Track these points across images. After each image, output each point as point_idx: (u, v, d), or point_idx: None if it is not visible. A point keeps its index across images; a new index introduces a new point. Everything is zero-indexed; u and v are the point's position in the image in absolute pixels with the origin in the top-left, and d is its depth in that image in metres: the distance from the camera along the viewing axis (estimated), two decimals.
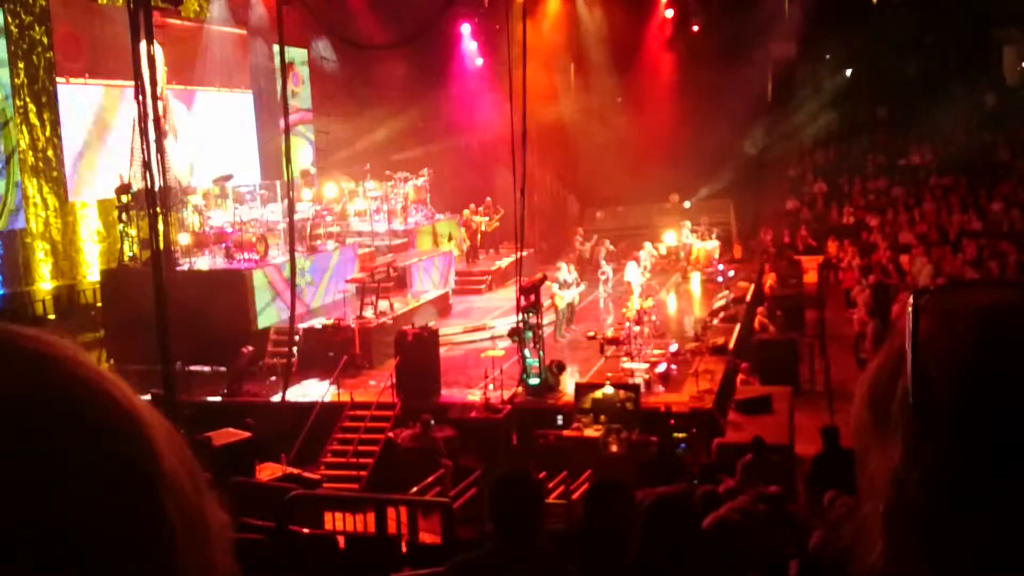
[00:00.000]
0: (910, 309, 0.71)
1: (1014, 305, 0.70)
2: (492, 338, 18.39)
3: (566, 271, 18.49)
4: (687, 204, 28.92)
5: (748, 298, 20.82)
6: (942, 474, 0.66)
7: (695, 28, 31.00)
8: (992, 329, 0.68)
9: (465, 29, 27.99)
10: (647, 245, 22.08)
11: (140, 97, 12.24)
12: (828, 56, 34.66)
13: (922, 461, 0.67)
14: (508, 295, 20.35)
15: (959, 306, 0.71)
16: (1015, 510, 0.63)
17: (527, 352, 15.13)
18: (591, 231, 26.06)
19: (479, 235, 24.75)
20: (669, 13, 30.66)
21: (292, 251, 16.38)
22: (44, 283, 18.94)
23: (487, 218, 24.66)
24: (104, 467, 0.58)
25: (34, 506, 0.55)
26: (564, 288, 18.12)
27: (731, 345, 17.16)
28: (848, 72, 35.14)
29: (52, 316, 18.29)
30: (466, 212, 24.63)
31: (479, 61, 28.46)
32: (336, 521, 9.66)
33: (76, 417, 0.59)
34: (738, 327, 18.30)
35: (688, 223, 25.95)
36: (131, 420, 0.61)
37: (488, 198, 24.47)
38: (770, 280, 22.02)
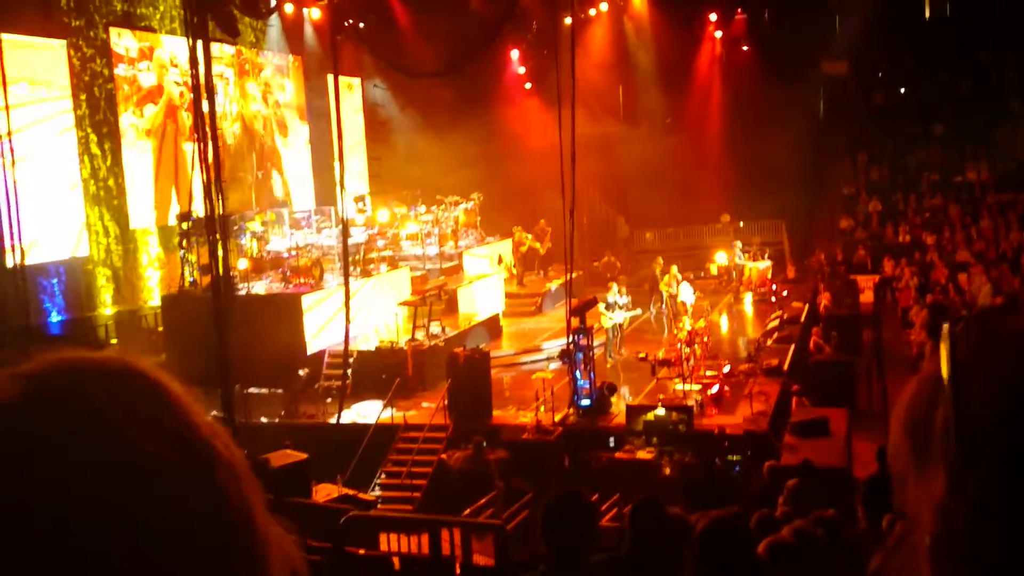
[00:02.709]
0: (946, 336, 0.69)
1: None
2: (544, 359, 18.42)
3: (615, 293, 18.47)
4: (740, 224, 28.72)
5: (802, 318, 20.57)
6: (991, 508, 0.64)
7: (745, 48, 30.90)
8: None
9: (514, 55, 28.25)
10: (673, 269, 21.84)
11: (201, 127, 12.57)
12: (880, 74, 34.26)
13: (969, 494, 0.65)
14: (558, 317, 20.38)
15: (998, 332, 0.69)
16: None
17: (578, 374, 15.12)
18: (644, 252, 26.04)
19: (537, 258, 24.91)
20: (719, 34, 30.62)
21: (346, 275, 16.63)
22: (106, 308, 19.45)
23: (538, 242, 24.77)
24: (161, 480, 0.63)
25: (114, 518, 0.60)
26: (611, 310, 18.11)
27: (785, 366, 16.96)
28: (901, 89, 34.67)
29: (114, 340, 18.76)
30: (516, 233, 24.77)
31: (528, 85, 28.68)
32: (391, 542, 9.75)
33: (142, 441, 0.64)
34: (792, 348, 18.08)
35: (739, 243, 25.77)
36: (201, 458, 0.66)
37: (542, 220, 24.58)
38: (824, 300, 21.74)
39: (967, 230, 26.95)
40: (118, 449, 0.62)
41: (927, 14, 32.66)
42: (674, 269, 21.47)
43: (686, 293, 19.86)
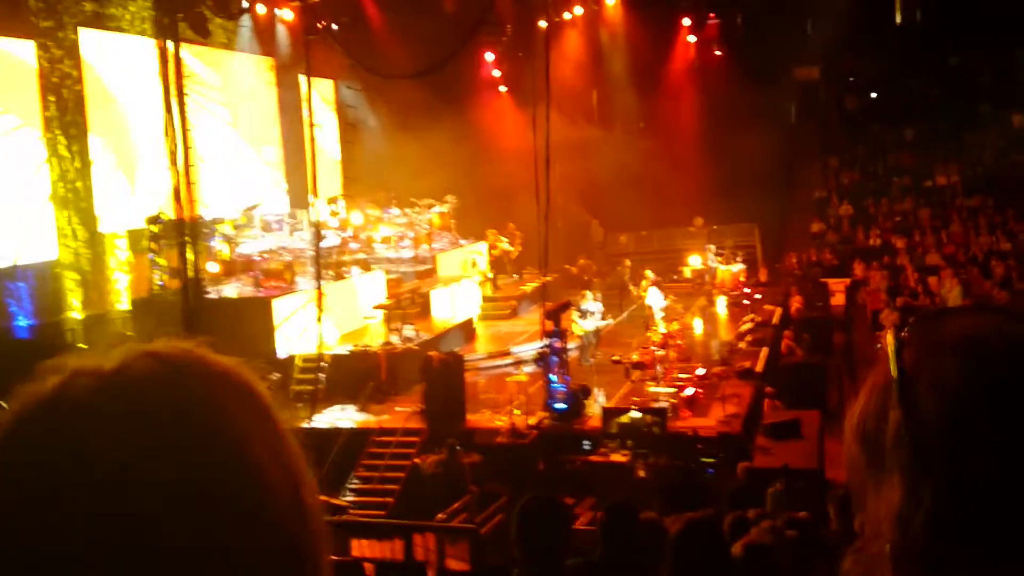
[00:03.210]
0: (891, 346, 0.70)
1: (997, 333, 0.68)
2: (517, 363, 18.38)
3: (590, 299, 18.48)
4: (713, 227, 28.88)
5: (775, 321, 20.69)
6: (946, 512, 0.65)
7: (718, 53, 31.08)
8: (978, 360, 0.67)
9: (488, 57, 28.22)
10: (648, 274, 21.87)
11: (171, 128, 12.43)
12: (851, 79, 34.59)
13: (925, 502, 0.66)
14: (533, 320, 20.36)
15: (938, 338, 0.70)
16: (1018, 546, 0.63)
17: (553, 377, 15.10)
18: (616, 255, 26.12)
19: (507, 262, 24.88)
20: (692, 38, 30.78)
21: (318, 278, 16.52)
22: (75, 313, 19.17)
23: (511, 245, 24.75)
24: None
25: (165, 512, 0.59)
26: (584, 317, 18.07)
27: (758, 369, 17.05)
28: (873, 94, 35.03)
29: (83, 345, 18.51)
30: (490, 236, 24.73)
31: (502, 88, 28.67)
32: (364, 548, 9.65)
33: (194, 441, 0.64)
34: (765, 350, 18.18)
35: (713, 247, 25.90)
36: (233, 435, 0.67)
37: (511, 224, 24.56)
38: (796, 303, 21.88)
39: (937, 234, 27.25)
40: (237, 460, 0.64)
41: (898, 20, 33.02)
42: (648, 273, 21.54)
43: (655, 298, 19.91)
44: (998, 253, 25.12)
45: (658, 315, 19.12)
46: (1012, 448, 0.63)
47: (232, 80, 23.64)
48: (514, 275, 25.18)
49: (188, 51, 18.07)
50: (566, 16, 27.74)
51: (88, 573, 0.56)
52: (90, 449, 0.59)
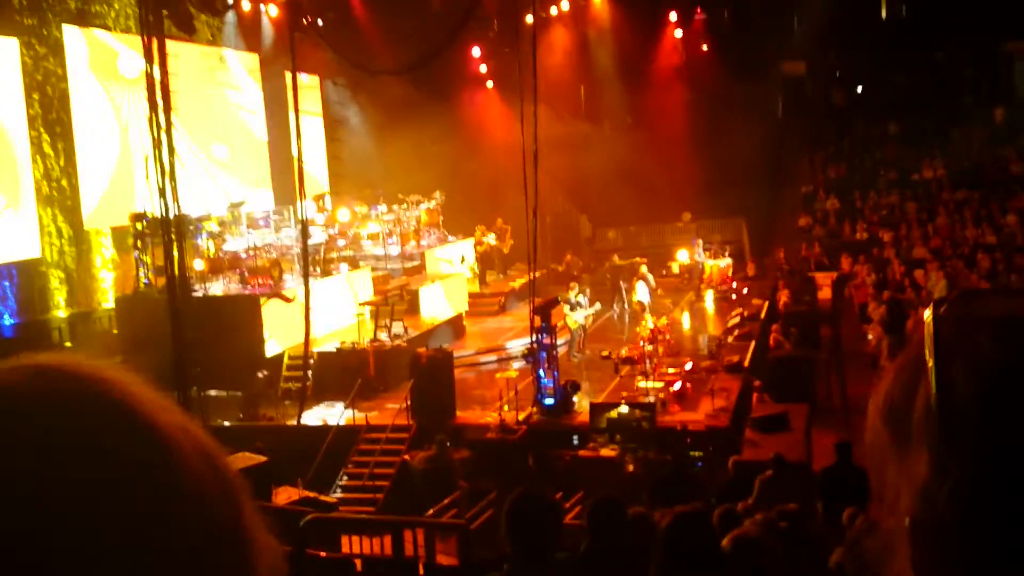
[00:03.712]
0: (929, 320, 0.70)
1: None
2: (506, 359, 18.38)
3: (576, 293, 18.51)
4: (701, 222, 28.94)
5: (762, 315, 20.75)
6: (974, 486, 0.65)
7: (704, 48, 31.12)
8: (1014, 337, 0.68)
9: (475, 52, 28.17)
10: (643, 269, 21.90)
11: (155, 125, 12.35)
12: (838, 73, 34.71)
13: (952, 474, 0.66)
14: (521, 316, 20.36)
15: (977, 316, 0.70)
16: None
17: (541, 372, 15.10)
18: (604, 251, 26.15)
19: (496, 258, 24.88)
20: (678, 33, 30.80)
21: (306, 276, 16.46)
22: (60, 311, 19.06)
23: (499, 241, 24.72)
24: (120, 476, 0.59)
25: (48, 510, 0.56)
26: (574, 310, 18.14)
27: (746, 363, 17.09)
28: (859, 88, 35.15)
29: (68, 343, 18.40)
30: (477, 232, 24.71)
31: (489, 84, 28.63)
32: (353, 544, 9.64)
33: (95, 433, 0.61)
34: (753, 344, 18.23)
35: (701, 241, 25.96)
36: (151, 433, 0.62)
37: (500, 219, 24.54)
38: (784, 297, 21.94)
39: (924, 227, 27.37)
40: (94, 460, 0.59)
41: (883, 15, 33.15)
42: (643, 269, 21.54)
43: (642, 293, 19.94)
44: (984, 246, 25.26)
45: (647, 310, 19.16)
46: None
47: (220, 75, 23.51)
48: (502, 271, 25.16)
49: (174, 47, 17.95)
50: (552, 11, 27.73)
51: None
52: None
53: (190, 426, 0.66)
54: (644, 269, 21.55)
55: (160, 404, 0.65)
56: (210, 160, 22.49)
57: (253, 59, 24.70)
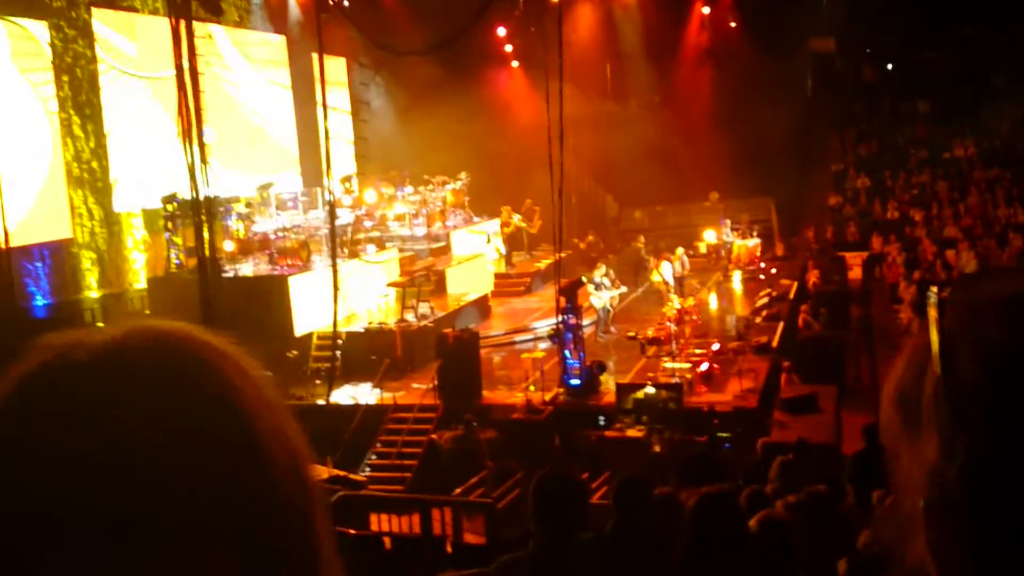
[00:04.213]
0: (933, 302, 0.71)
1: None
2: (533, 339, 18.41)
3: (601, 273, 18.48)
4: (729, 202, 28.71)
5: (791, 296, 20.61)
6: (981, 467, 0.66)
7: (732, 24, 30.76)
8: (1018, 319, 0.68)
9: (501, 32, 28.05)
10: (679, 251, 21.92)
11: (184, 107, 12.43)
12: (868, 50, 34.21)
13: (960, 454, 0.67)
14: (547, 296, 20.37)
15: (982, 297, 0.71)
16: None
17: (567, 353, 15.12)
18: (631, 231, 26.05)
19: (525, 237, 24.86)
20: (706, 10, 30.46)
21: (334, 256, 16.55)
22: (92, 292, 19.32)
23: (526, 220, 24.69)
24: (210, 462, 0.62)
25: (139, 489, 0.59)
26: (599, 290, 18.12)
27: (775, 343, 17.00)
28: (889, 65, 34.65)
29: (100, 324, 18.58)
30: (504, 213, 24.69)
31: (515, 63, 28.51)
32: (382, 522, 9.74)
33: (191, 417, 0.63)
34: (782, 325, 18.12)
35: (728, 221, 25.78)
36: (241, 420, 0.65)
37: (528, 200, 24.50)
38: (813, 277, 21.77)
39: (955, 206, 27.03)
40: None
41: None
42: (679, 251, 21.45)
43: (667, 273, 19.86)
44: (1016, 225, 24.91)
45: (672, 290, 19.10)
46: None
47: (247, 57, 23.60)
48: (529, 252, 25.14)
49: (202, 27, 18.04)
50: None
51: (92, 532, 0.57)
52: (94, 409, 0.60)
53: (287, 426, 0.68)
54: (680, 251, 21.48)
55: (266, 397, 0.68)
56: (238, 141, 22.61)
57: (280, 41, 24.77)
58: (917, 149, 30.62)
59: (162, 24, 19.19)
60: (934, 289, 0.73)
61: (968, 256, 21.91)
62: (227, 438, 0.63)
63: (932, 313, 0.71)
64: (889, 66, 34.64)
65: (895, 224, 26.90)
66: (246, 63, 23.60)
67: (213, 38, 21.43)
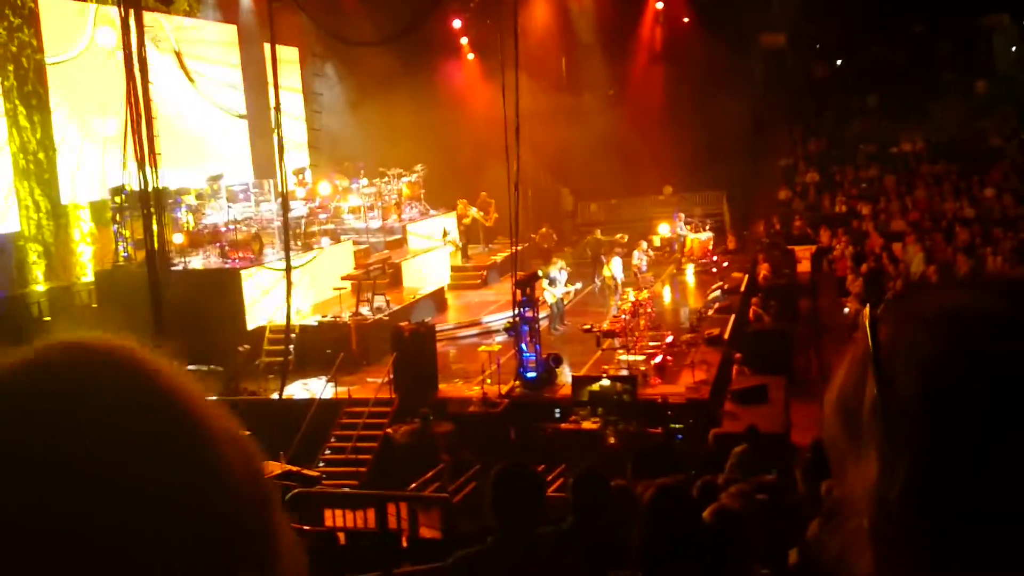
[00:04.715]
0: (866, 321, 0.70)
1: (974, 307, 0.69)
2: (489, 333, 18.42)
3: (557, 268, 18.57)
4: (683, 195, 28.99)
5: (742, 288, 20.88)
6: (920, 489, 0.65)
7: (686, 20, 31.00)
8: (954, 333, 0.67)
9: (456, 24, 27.94)
10: (643, 244, 22.23)
11: (132, 99, 12.22)
12: (818, 46, 34.70)
13: (899, 476, 0.66)
14: (503, 289, 20.39)
15: (919, 311, 0.70)
16: (995, 515, 0.63)
17: (524, 346, 15.16)
18: (586, 224, 26.15)
19: (480, 232, 24.83)
20: (660, 5, 30.66)
21: (287, 249, 16.38)
22: (38, 285, 18.91)
23: (482, 213, 24.66)
24: (164, 469, 0.61)
25: (94, 499, 0.57)
26: (554, 284, 18.20)
27: (726, 335, 17.22)
28: (838, 62, 35.18)
29: (47, 317, 18.27)
30: (460, 206, 24.64)
31: (471, 55, 28.43)
32: (336, 518, 9.69)
33: (140, 420, 0.62)
34: (733, 317, 18.36)
35: (682, 215, 26.02)
36: (194, 428, 0.64)
37: (484, 192, 24.47)
38: (764, 270, 22.07)
39: (902, 200, 27.54)
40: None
41: None
42: (644, 244, 21.67)
43: (616, 268, 20.02)
44: (962, 219, 25.47)
45: (620, 285, 19.29)
46: (985, 422, 0.64)
47: (196, 48, 23.22)
48: (485, 245, 25.12)
49: (152, 17, 17.73)
50: None
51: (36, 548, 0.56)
52: (19, 426, 0.58)
53: (231, 424, 0.67)
54: (645, 245, 21.71)
55: (207, 403, 0.67)
56: (187, 132, 22.24)
57: (231, 30, 24.41)
58: (865, 144, 31.15)
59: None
60: (867, 308, 0.72)
61: (915, 249, 22.35)
62: (174, 442, 0.61)
63: (867, 328, 0.70)
64: (839, 62, 35.19)
65: (843, 218, 27.35)
66: (196, 53, 23.21)
67: (162, 26, 21.07)
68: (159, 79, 17.70)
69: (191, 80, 22.48)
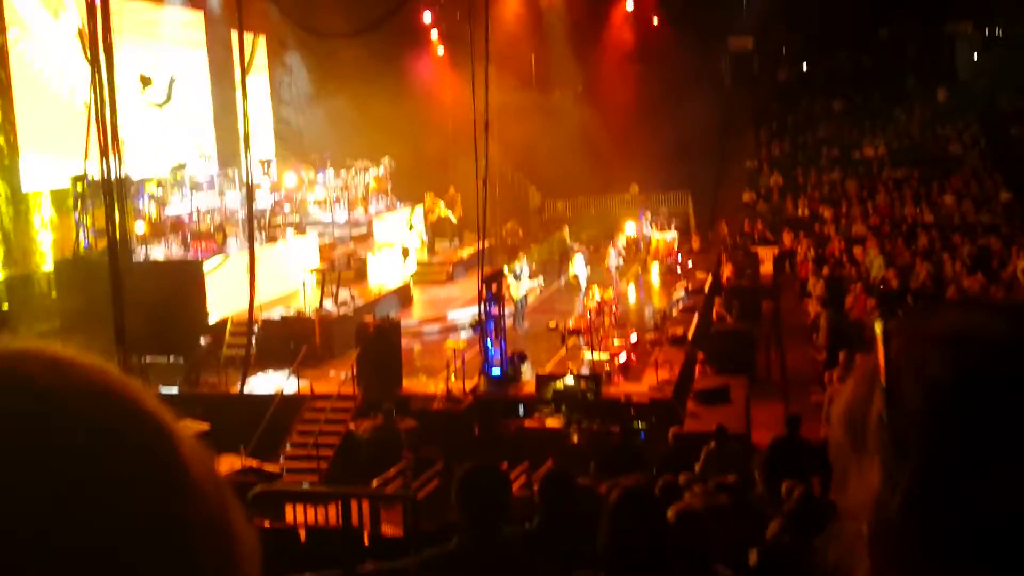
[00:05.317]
0: (879, 335, 0.73)
1: (981, 329, 0.71)
2: (454, 329, 18.40)
3: (521, 264, 18.62)
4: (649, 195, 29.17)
5: (706, 289, 21.05)
6: (921, 496, 0.68)
7: (655, 21, 31.19)
8: (960, 354, 0.70)
9: (426, 17, 27.85)
10: (617, 242, 22.43)
11: (96, 84, 12.02)
12: (785, 49, 35.08)
13: (901, 485, 0.69)
14: (469, 285, 20.37)
15: (928, 330, 0.73)
16: (991, 533, 0.66)
17: (489, 343, 15.15)
18: (554, 221, 26.21)
19: (447, 227, 24.77)
20: (629, 6, 30.80)
21: (251, 240, 16.22)
22: None
23: (449, 209, 24.62)
24: (131, 473, 0.59)
25: (59, 509, 0.56)
26: (518, 280, 18.24)
27: (690, 335, 17.35)
28: (804, 66, 35.59)
29: (5, 306, 17.93)
30: (427, 200, 24.56)
31: (440, 50, 28.35)
32: (297, 514, 9.62)
33: (103, 423, 0.60)
34: (696, 317, 18.50)
35: (648, 214, 26.18)
36: (159, 428, 0.63)
37: (451, 187, 24.42)
38: (727, 271, 22.28)
39: (863, 204, 27.94)
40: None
41: None
42: (619, 243, 21.82)
43: (579, 267, 20.10)
44: (922, 224, 25.90)
45: (584, 283, 19.36)
46: (986, 439, 0.67)
47: (162, 33, 22.88)
48: (453, 240, 25.08)
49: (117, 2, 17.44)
50: None
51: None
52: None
53: (177, 421, 0.66)
54: (621, 243, 21.85)
55: (157, 403, 0.65)
56: (151, 120, 21.92)
57: (198, 16, 24.09)
58: (829, 148, 31.56)
59: None
60: (879, 323, 0.74)
61: (875, 253, 22.69)
62: (136, 442, 0.60)
63: (879, 345, 0.72)
64: (805, 66, 35.60)
65: (806, 221, 27.69)
66: (160, 38, 22.88)
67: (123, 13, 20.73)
68: (122, 63, 17.42)
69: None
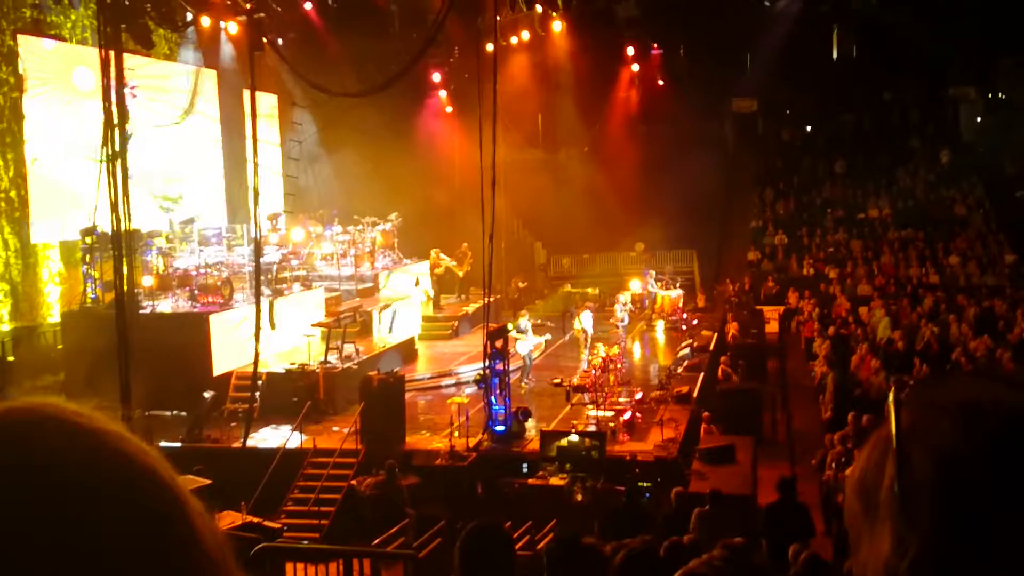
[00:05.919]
0: (891, 404, 0.75)
1: (992, 400, 0.73)
2: (458, 384, 18.35)
3: (525, 321, 18.63)
4: (654, 253, 29.30)
5: (711, 347, 21.00)
6: (930, 563, 0.70)
7: (660, 82, 31.64)
8: (971, 424, 0.72)
9: (435, 78, 28.29)
10: (622, 298, 22.49)
11: (108, 139, 12.19)
12: (788, 111, 35.49)
13: (910, 551, 0.70)
14: (474, 341, 20.36)
15: (940, 400, 0.75)
16: None
17: (493, 399, 15.09)
18: (558, 278, 26.30)
19: (455, 282, 24.85)
20: (636, 67, 31.27)
21: (258, 295, 16.27)
22: (3, 324, 18.62)
23: (456, 263, 24.71)
24: (147, 543, 0.62)
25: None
26: (523, 335, 18.24)
27: (695, 394, 17.27)
28: (808, 127, 35.96)
29: (11, 358, 17.95)
30: (433, 255, 24.67)
31: (449, 109, 28.75)
32: (298, 571, 9.51)
33: (121, 496, 0.63)
34: (702, 376, 18.43)
35: (653, 272, 26.26)
36: (175, 500, 0.66)
37: (464, 244, 24.56)
38: (732, 330, 22.25)
39: (868, 264, 28.00)
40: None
41: (835, 55, 34.03)
42: (622, 297, 21.88)
43: (586, 322, 20.12)
44: (927, 285, 25.91)
45: (591, 339, 19.34)
46: (994, 509, 0.69)
47: (175, 91, 23.28)
48: (460, 295, 25.13)
49: (131, 60, 17.77)
50: (513, 41, 27.96)
51: None
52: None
53: (182, 481, 0.69)
54: (626, 299, 21.92)
55: (159, 459, 0.68)
56: (163, 176, 22.19)
57: (211, 76, 24.53)
58: (833, 208, 31.73)
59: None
60: (892, 391, 0.77)
61: (880, 314, 22.67)
62: (149, 518, 0.63)
63: (891, 411, 0.75)
64: (808, 127, 35.96)
65: (810, 280, 27.73)
66: (175, 97, 23.27)
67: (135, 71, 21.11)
68: (136, 119, 17.68)
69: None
